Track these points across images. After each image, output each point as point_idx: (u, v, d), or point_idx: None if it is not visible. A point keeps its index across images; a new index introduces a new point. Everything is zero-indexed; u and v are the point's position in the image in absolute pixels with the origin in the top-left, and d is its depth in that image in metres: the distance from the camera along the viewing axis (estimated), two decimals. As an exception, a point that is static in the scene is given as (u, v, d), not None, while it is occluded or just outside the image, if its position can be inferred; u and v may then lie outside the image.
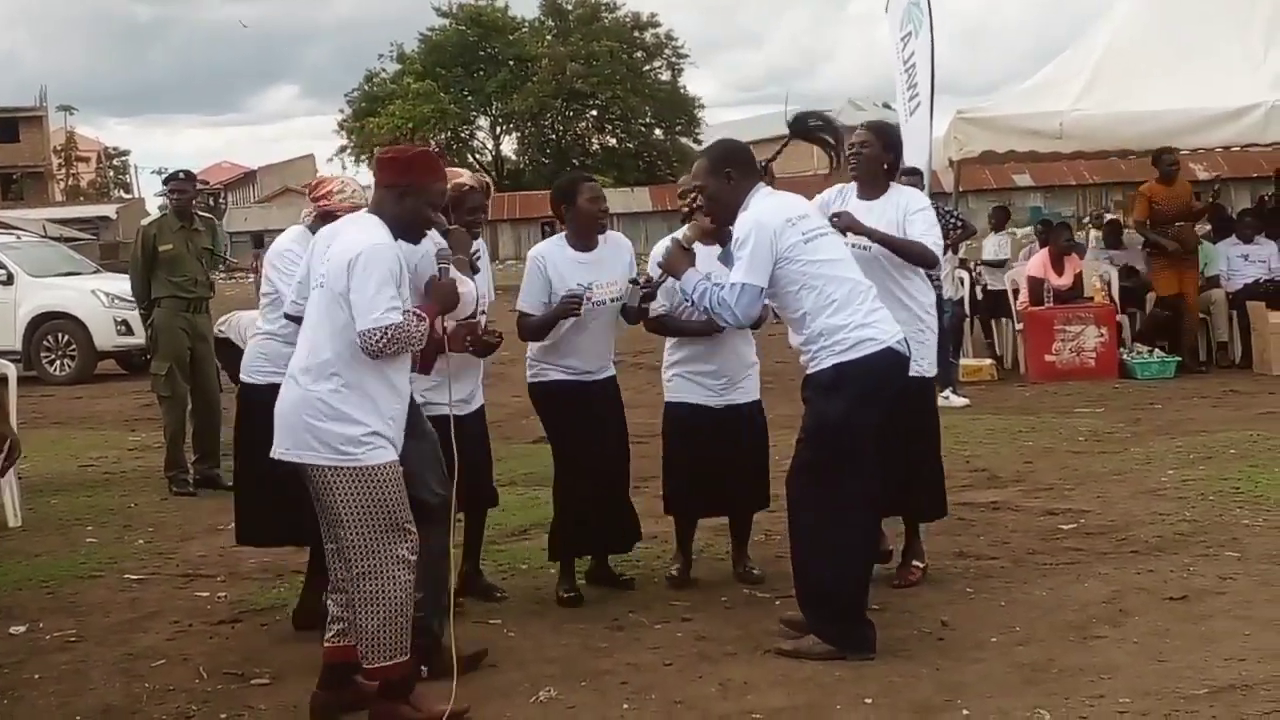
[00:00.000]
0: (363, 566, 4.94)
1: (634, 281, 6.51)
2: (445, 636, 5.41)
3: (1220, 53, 13.65)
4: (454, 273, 5.33)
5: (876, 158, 6.65)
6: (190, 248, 10.06)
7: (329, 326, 4.94)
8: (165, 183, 10.60)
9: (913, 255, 6.49)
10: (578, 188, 6.67)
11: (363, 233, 5.01)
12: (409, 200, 5.07)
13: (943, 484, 7.00)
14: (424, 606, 5.52)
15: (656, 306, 6.66)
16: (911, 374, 6.46)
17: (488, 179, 6.51)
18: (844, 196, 6.72)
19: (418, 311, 4.96)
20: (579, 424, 6.65)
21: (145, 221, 10.56)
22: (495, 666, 5.71)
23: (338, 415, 4.89)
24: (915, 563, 6.79)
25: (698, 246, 5.99)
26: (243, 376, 6.42)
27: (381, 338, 4.81)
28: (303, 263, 5.48)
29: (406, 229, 5.10)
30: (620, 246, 6.80)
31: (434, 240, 5.49)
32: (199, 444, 10.15)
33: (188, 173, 10.58)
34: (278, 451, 5.02)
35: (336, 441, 4.88)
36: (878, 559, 6.74)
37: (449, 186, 6.22)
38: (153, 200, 70.58)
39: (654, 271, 6.25)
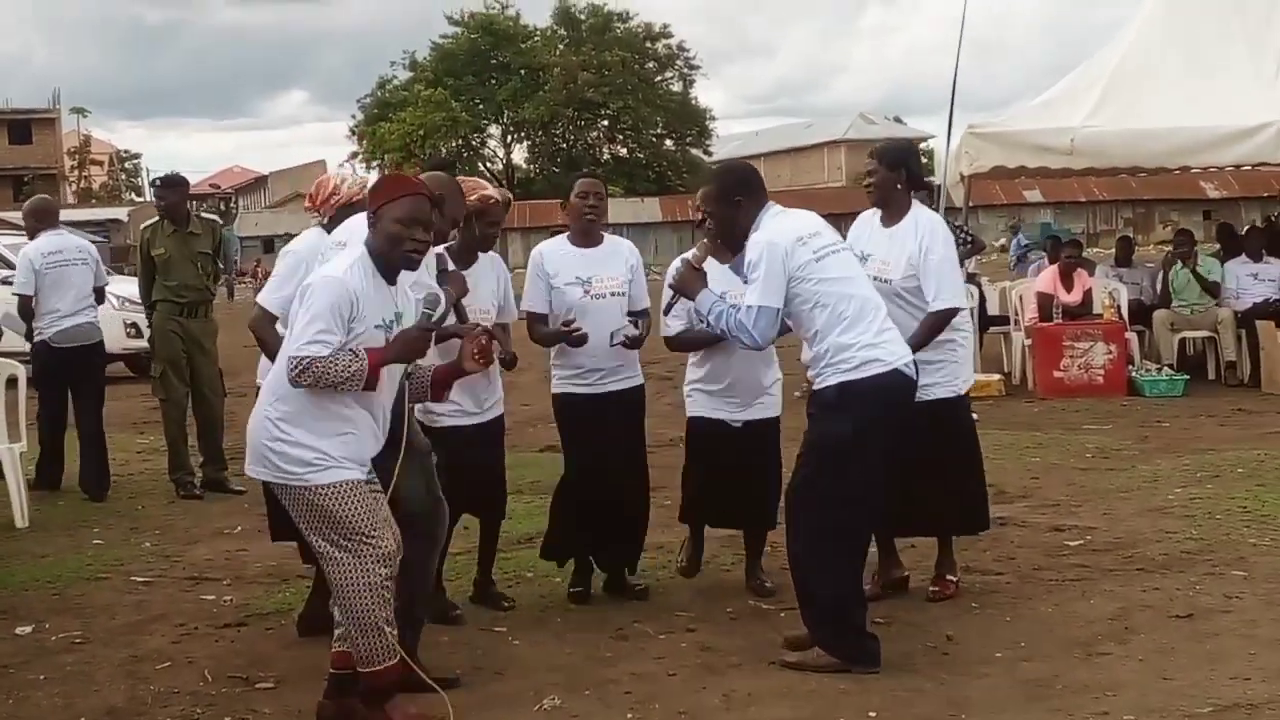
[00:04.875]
0: (331, 576, 5.04)
1: (633, 321, 6.64)
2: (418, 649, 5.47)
3: (1232, 71, 13.64)
4: (435, 318, 5.19)
5: (886, 181, 6.59)
6: (185, 252, 10.05)
7: (290, 342, 5.02)
8: (151, 186, 10.74)
9: (936, 331, 6.42)
10: (572, 185, 6.76)
11: (333, 264, 5.06)
12: (378, 227, 5.04)
13: (977, 499, 6.92)
14: (400, 617, 5.52)
15: (675, 326, 6.68)
16: (945, 395, 6.49)
17: (509, 194, 6.52)
18: (873, 222, 6.69)
19: (355, 350, 4.90)
20: (588, 440, 6.68)
21: (144, 225, 10.61)
22: (500, 674, 5.72)
23: (285, 436, 4.97)
24: (949, 576, 6.77)
25: (709, 262, 6.00)
26: (258, 378, 6.39)
27: (296, 367, 4.84)
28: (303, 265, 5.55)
29: (386, 256, 5.03)
30: (623, 248, 6.86)
31: (424, 282, 5.46)
32: (203, 448, 10.17)
33: (169, 178, 10.58)
34: (246, 467, 5.15)
35: (281, 461, 4.98)
36: (891, 584, 6.75)
37: (474, 197, 6.26)
38: (163, 204, 70.49)
39: (667, 291, 6.28)
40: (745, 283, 5.77)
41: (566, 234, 6.80)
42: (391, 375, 5.11)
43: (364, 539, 4.96)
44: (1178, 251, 15.31)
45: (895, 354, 5.66)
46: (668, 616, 6.51)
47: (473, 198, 6.28)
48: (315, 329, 4.85)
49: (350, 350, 4.88)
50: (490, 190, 6.41)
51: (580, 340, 6.50)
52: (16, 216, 49.16)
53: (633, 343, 6.64)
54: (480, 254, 6.45)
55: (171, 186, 10.41)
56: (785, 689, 5.43)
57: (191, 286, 10.07)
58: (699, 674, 5.67)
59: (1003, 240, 59.56)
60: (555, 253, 6.73)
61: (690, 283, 5.90)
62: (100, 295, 10.37)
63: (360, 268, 4.99)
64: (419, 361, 5.27)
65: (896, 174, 6.56)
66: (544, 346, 6.76)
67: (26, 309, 10.05)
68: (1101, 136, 13.45)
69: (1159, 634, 6.01)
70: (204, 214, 11.64)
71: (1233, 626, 6.08)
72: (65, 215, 48.20)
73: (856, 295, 5.69)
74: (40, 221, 10.33)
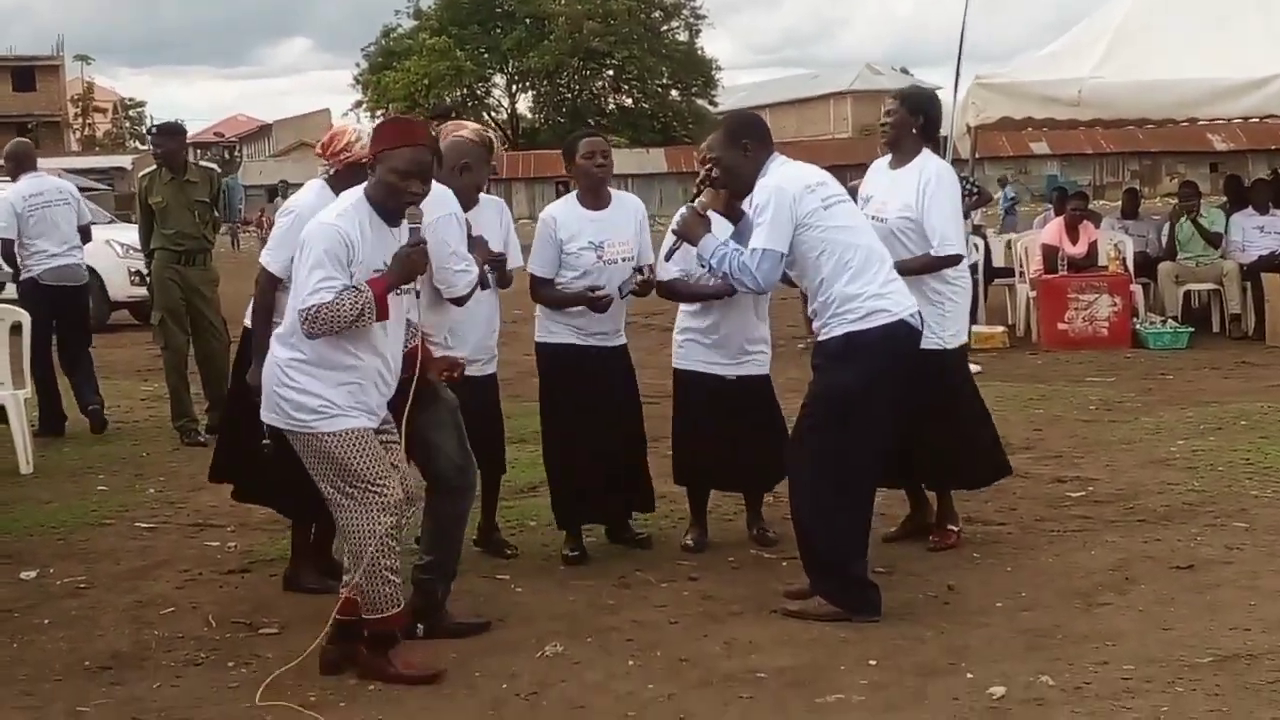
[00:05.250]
0: (340, 522, 5.10)
1: (638, 269, 6.60)
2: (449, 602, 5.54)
3: (1241, 23, 13.55)
4: (423, 232, 5.13)
5: (904, 123, 6.61)
6: (182, 200, 10.05)
7: (294, 303, 5.04)
8: (147, 134, 10.82)
9: (930, 269, 6.45)
10: (576, 145, 6.66)
11: (326, 212, 5.07)
12: (377, 171, 5.03)
13: (979, 451, 6.85)
14: (432, 570, 5.58)
15: (674, 272, 6.66)
16: (932, 347, 6.39)
17: (491, 134, 6.43)
18: (883, 165, 6.73)
19: (357, 286, 4.90)
20: (576, 393, 6.65)
21: (141, 174, 10.65)
22: (502, 621, 5.75)
23: (292, 384, 5.02)
24: (951, 526, 6.79)
25: (714, 218, 5.98)
26: (247, 320, 6.39)
27: (306, 318, 4.87)
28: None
29: (382, 203, 5.03)
30: (632, 207, 6.79)
31: (461, 253, 5.51)
32: (207, 394, 10.21)
33: (166, 126, 10.71)
34: (261, 414, 5.19)
35: (291, 409, 5.03)
36: (919, 528, 6.79)
37: (448, 139, 6.17)
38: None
39: (671, 238, 6.26)
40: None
41: (575, 194, 6.73)
42: (397, 320, 5.12)
43: (369, 486, 4.98)
44: (1183, 205, 15.28)
45: (901, 304, 5.65)
46: (670, 565, 6.54)
47: (446, 140, 6.23)
48: (316, 278, 4.86)
49: (352, 287, 4.88)
50: (464, 132, 6.24)
51: (605, 306, 6.49)
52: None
53: (643, 288, 6.62)
54: (482, 196, 6.41)
55: (168, 134, 10.44)
56: (786, 637, 5.46)
57: (189, 235, 10.06)
58: (701, 622, 5.70)
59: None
60: (568, 216, 6.64)
61: (694, 227, 5.88)
62: (86, 234, 10.80)
63: (356, 213, 4.99)
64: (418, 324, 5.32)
65: (915, 119, 6.60)
66: (551, 309, 6.69)
67: (9, 252, 10.37)
68: (1108, 88, 13.39)
69: (1160, 585, 6.03)
70: (202, 162, 11.65)
71: (1233, 578, 6.09)
72: (69, 163, 47.92)
73: (862, 245, 5.68)
74: (19, 165, 10.70)
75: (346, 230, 4.93)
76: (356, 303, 4.87)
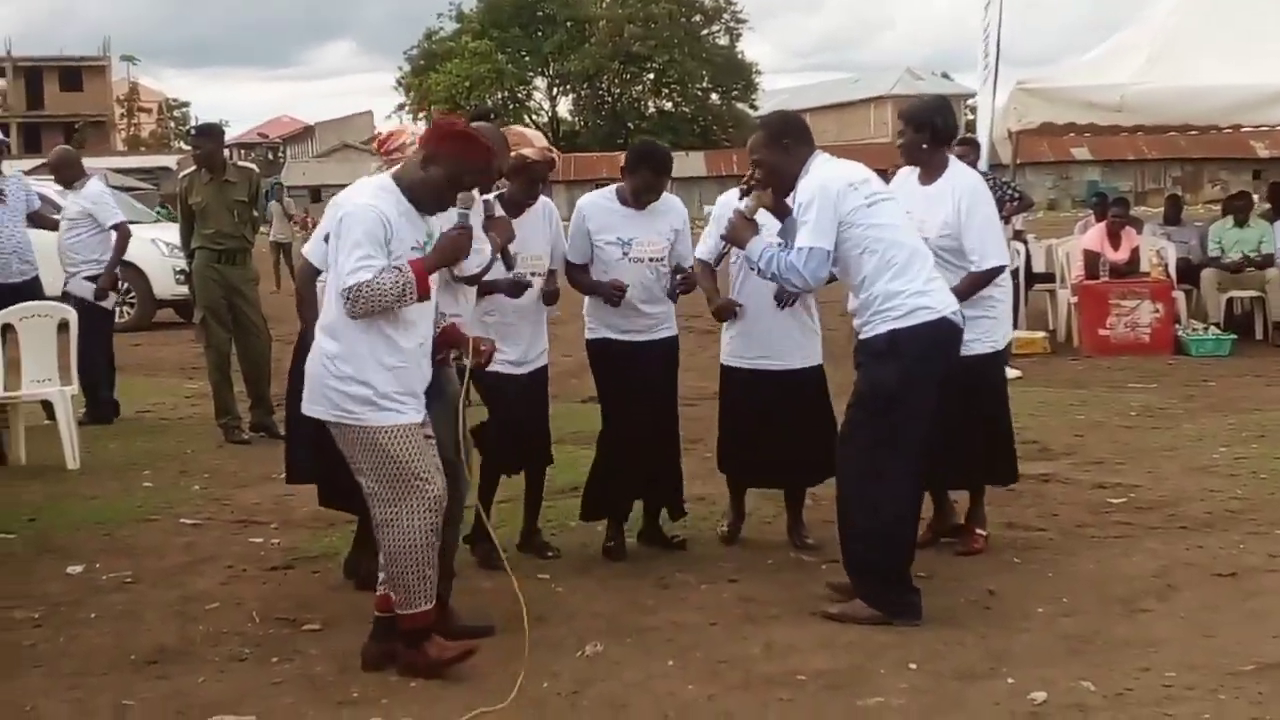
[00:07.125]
0: (380, 517, 5.09)
1: (678, 271, 6.64)
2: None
3: (1285, 29, 13.47)
4: (472, 218, 5.21)
5: (913, 143, 6.57)
6: (221, 200, 10.15)
7: (335, 287, 5.06)
8: (186, 135, 11.25)
9: (978, 287, 6.47)
10: (639, 169, 6.59)
11: (357, 195, 5.08)
12: (431, 169, 5.05)
13: (1011, 452, 6.94)
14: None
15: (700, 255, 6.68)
16: (985, 350, 6.48)
17: (554, 154, 6.52)
18: (911, 180, 6.68)
19: (398, 266, 4.93)
20: (623, 385, 6.70)
21: (182, 174, 10.78)
22: (543, 620, 5.76)
23: (343, 375, 5.01)
24: (979, 530, 6.79)
25: (761, 214, 6.00)
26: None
27: (348, 298, 4.88)
28: None
29: (422, 199, 5.07)
30: (672, 208, 6.78)
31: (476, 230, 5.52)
32: (250, 392, 10.28)
33: (204, 127, 10.94)
34: (304, 407, 5.19)
35: (342, 400, 5.02)
36: (944, 532, 6.80)
37: (512, 155, 6.27)
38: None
39: (712, 238, 6.27)
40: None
41: (616, 189, 6.75)
42: (425, 308, 5.14)
43: (414, 480, 5.01)
44: (1237, 216, 15.12)
45: (943, 302, 5.66)
46: (709, 567, 6.56)
47: (511, 155, 6.30)
48: (357, 256, 4.88)
49: (393, 267, 4.92)
50: (529, 151, 6.35)
51: (616, 300, 6.54)
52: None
53: (686, 284, 6.65)
54: (529, 206, 6.48)
55: (206, 135, 10.54)
56: (825, 640, 5.46)
57: (228, 234, 10.16)
58: (739, 624, 5.72)
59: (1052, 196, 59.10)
60: (600, 209, 6.68)
61: (741, 231, 5.90)
62: None
63: (387, 196, 5.02)
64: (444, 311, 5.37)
65: (922, 135, 6.55)
66: (581, 293, 6.77)
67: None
68: (1151, 94, 13.32)
69: (1201, 592, 6.01)
70: (240, 162, 11.78)
71: (1276, 585, 6.06)
72: (114, 162, 48.49)
73: (905, 243, 5.68)
74: (75, 169, 11.33)
75: (383, 211, 4.96)
76: (398, 282, 4.89)
